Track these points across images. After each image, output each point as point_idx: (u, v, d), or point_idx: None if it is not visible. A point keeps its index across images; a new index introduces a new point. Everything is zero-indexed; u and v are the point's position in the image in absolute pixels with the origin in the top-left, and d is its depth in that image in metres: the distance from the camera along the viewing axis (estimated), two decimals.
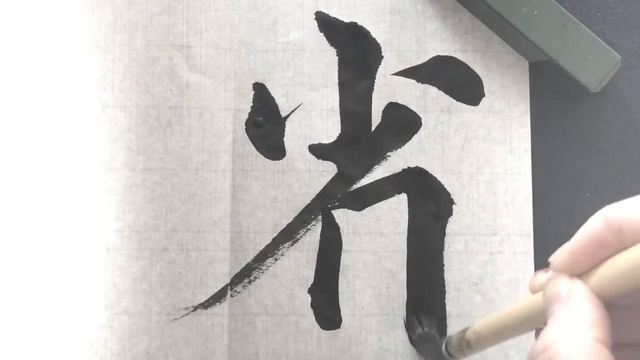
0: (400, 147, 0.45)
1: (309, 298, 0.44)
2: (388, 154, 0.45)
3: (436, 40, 0.45)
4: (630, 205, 0.24)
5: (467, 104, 0.45)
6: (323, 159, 0.45)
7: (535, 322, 0.28)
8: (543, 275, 0.28)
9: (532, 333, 0.29)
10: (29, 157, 0.44)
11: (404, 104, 0.45)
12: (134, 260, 0.44)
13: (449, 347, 0.37)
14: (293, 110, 0.45)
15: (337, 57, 0.45)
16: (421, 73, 0.45)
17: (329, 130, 0.45)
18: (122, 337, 0.43)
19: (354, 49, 0.45)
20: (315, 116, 0.45)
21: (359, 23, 0.45)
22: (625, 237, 0.24)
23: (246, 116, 0.45)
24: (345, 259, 0.44)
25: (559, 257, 0.26)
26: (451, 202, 0.45)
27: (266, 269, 0.44)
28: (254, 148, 0.45)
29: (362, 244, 0.45)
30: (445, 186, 0.45)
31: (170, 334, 0.43)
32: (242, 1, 0.45)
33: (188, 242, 0.44)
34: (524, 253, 0.45)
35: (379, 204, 0.45)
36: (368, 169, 0.45)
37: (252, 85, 0.45)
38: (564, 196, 0.46)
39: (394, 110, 0.45)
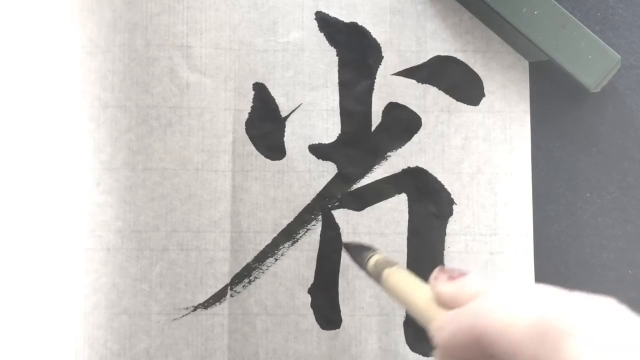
0: (400, 147, 0.45)
1: (309, 298, 0.44)
2: (388, 154, 0.45)
3: (436, 40, 0.45)
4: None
5: (467, 104, 0.45)
6: (323, 159, 0.45)
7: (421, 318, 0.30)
8: (448, 287, 0.28)
9: None
10: (29, 157, 0.44)
11: (404, 104, 0.45)
12: (134, 260, 0.44)
13: (366, 265, 0.38)
14: (293, 110, 0.45)
15: (337, 57, 0.45)
16: (421, 73, 0.45)
17: (329, 130, 0.45)
18: (122, 337, 0.43)
19: (354, 49, 0.45)
20: (315, 116, 0.45)
21: (359, 23, 0.45)
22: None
23: (246, 116, 0.45)
24: (345, 259, 0.44)
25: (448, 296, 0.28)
26: (451, 202, 0.45)
27: (266, 269, 0.44)
28: (254, 148, 0.45)
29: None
30: (445, 186, 0.45)
31: (170, 334, 0.43)
32: (242, 1, 0.45)
33: (188, 242, 0.44)
34: (524, 253, 0.45)
35: (379, 204, 0.45)
36: (368, 169, 0.45)
37: (252, 85, 0.45)
38: (564, 196, 0.46)
39: (394, 110, 0.45)
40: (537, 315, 0.24)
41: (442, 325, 0.27)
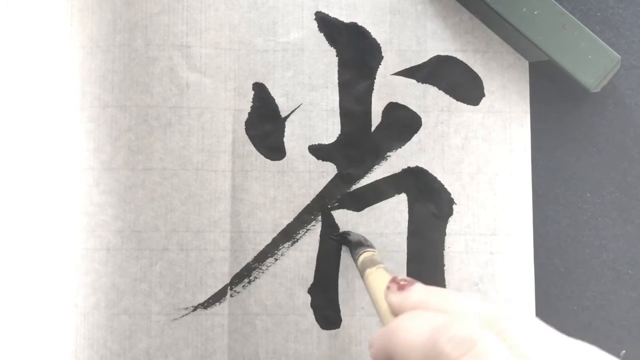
0: (400, 147, 0.45)
1: (309, 298, 0.44)
2: (388, 154, 0.45)
3: (436, 40, 0.45)
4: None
5: (467, 104, 0.45)
6: (323, 160, 0.45)
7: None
8: (395, 297, 0.29)
9: None
10: (29, 157, 0.44)
11: (404, 104, 0.45)
12: (134, 260, 0.44)
13: (356, 261, 0.39)
14: (293, 110, 0.45)
15: (337, 57, 0.45)
16: (421, 73, 0.45)
17: (329, 130, 0.45)
18: (122, 337, 0.43)
19: (354, 49, 0.45)
20: (315, 116, 0.45)
21: (359, 23, 0.45)
22: None
23: (246, 116, 0.45)
24: (345, 259, 0.44)
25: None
26: (451, 202, 0.45)
27: (266, 269, 0.44)
28: (254, 148, 0.45)
29: None
30: (446, 186, 0.45)
31: (170, 334, 0.43)
32: (242, 1, 0.45)
33: (188, 242, 0.44)
34: (524, 253, 0.45)
35: (379, 204, 0.45)
36: (368, 169, 0.45)
37: (252, 85, 0.45)
38: (564, 196, 0.46)
39: (394, 110, 0.45)
40: (431, 339, 0.24)
41: (371, 343, 0.28)
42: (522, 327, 0.24)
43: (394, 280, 0.29)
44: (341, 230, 0.45)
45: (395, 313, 0.29)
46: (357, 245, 0.41)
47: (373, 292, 0.33)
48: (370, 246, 0.40)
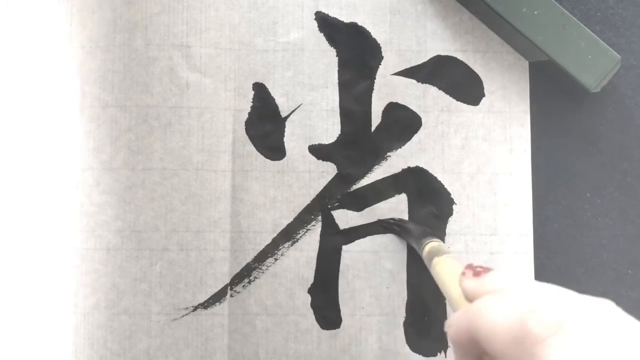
0: (400, 147, 0.45)
1: (309, 298, 0.44)
2: (388, 154, 0.45)
3: (436, 40, 0.45)
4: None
5: (467, 104, 0.45)
6: (323, 160, 0.45)
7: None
8: (471, 283, 0.29)
9: None
10: (29, 157, 0.44)
11: (404, 104, 0.45)
12: (134, 260, 0.44)
13: (422, 251, 0.40)
14: (293, 111, 0.45)
15: (337, 57, 0.45)
16: (421, 73, 0.45)
17: (329, 130, 0.45)
18: (122, 337, 0.43)
19: (354, 49, 0.45)
20: (315, 116, 0.45)
21: (359, 23, 0.45)
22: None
23: (246, 116, 0.45)
24: (345, 259, 0.44)
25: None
26: (451, 202, 0.45)
27: (266, 269, 0.44)
28: (254, 148, 0.45)
29: (362, 244, 0.45)
30: (446, 186, 0.45)
31: (170, 334, 0.43)
32: (242, 1, 0.45)
33: (188, 242, 0.44)
34: (524, 253, 0.45)
35: (379, 204, 0.45)
36: (368, 169, 0.45)
37: (252, 85, 0.45)
38: (564, 196, 0.46)
39: (394, 110, 0.45)
40: (518, 320, 0.24)
41: (450, 324, 0.29)
42: (607, 314, 0.24)
43: (469, 266, 0.30)
44: (340, 228, 0.45)
45: (470, 299, 0.29)
46: (422, 234, 0.41)
47: (443, 279, 0.33)
48: (436, 236, 0.40)
